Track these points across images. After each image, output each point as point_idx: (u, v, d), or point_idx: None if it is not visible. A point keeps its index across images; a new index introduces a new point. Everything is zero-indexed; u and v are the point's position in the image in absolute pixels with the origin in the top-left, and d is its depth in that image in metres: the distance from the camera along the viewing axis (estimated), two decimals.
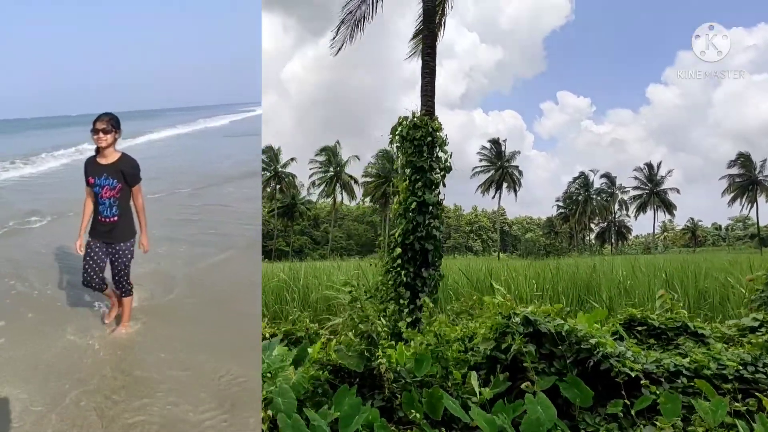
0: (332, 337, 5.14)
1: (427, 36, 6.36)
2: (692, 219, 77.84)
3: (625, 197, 70.02)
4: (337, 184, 63.35)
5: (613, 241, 71.11)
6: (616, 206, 70.59)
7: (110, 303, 4.67)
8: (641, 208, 66.48)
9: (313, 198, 67.38)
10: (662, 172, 67.24)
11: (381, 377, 3.27)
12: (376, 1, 6.99)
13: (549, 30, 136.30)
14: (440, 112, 6.15)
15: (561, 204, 72.79)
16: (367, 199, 65.41)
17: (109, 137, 4.04)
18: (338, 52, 7.66)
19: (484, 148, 65.83)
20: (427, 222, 5.79)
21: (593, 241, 73.90)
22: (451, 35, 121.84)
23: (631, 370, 3.59)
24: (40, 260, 6.36)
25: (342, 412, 3.00)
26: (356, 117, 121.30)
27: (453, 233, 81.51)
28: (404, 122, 6.05)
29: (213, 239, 7.21)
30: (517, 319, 3.91)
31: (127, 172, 4.12)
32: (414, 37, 7.66)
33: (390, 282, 5.82)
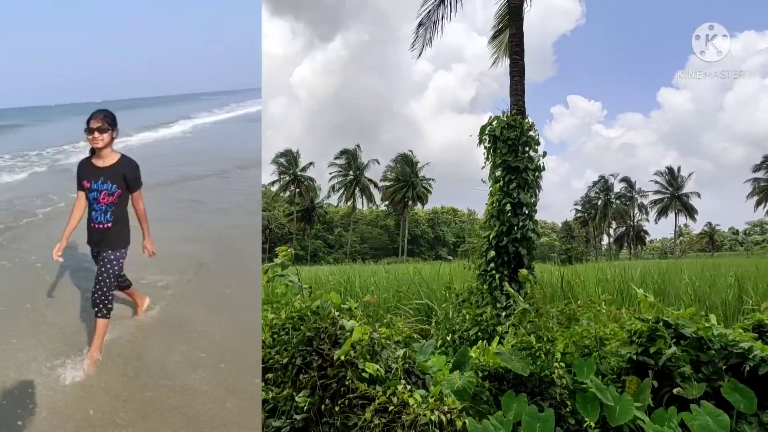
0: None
1: (515, 34, 6.25)
2: (710, 223, 76.39)
3: (645, 201, 69.20)
4: (357, 188, 63.26)
5: (632, 245, 70.13)
6: (636, 210, 69.69)
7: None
8: (662, 212, 65.56)
9: (333, 201, 67.34)
10: (682, 175, 66.35)
11: (544, 382, 3.14)
12: (455, 1, 6.86)
13: (559, 34, 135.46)
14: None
15: (579, 208, 72.09)
16: (384, 204, 65.30)
17: (106, 137, 3.58)
18: (420, 55, 7.54)
19: None
20: (521, 224, 5.65)
21: (612, 246, 73.01)
22: (461, 40, 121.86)
23: None
24: None
25: (515, 419, 2.89)
26: (366, 121, 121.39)
27: (467, 237, 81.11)
28: (495, 121, 5.93)
29: None
30: (660, 323, 3.76)
31: (129, 176, 3.69)
32: (493, 38, 7.52)
33: (485, 286, 5.68)
